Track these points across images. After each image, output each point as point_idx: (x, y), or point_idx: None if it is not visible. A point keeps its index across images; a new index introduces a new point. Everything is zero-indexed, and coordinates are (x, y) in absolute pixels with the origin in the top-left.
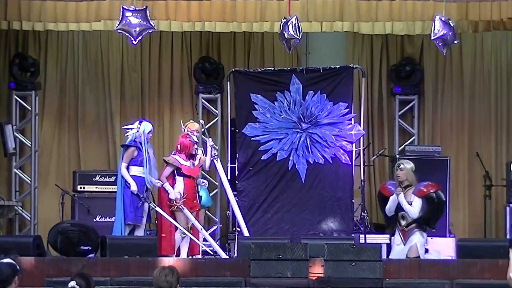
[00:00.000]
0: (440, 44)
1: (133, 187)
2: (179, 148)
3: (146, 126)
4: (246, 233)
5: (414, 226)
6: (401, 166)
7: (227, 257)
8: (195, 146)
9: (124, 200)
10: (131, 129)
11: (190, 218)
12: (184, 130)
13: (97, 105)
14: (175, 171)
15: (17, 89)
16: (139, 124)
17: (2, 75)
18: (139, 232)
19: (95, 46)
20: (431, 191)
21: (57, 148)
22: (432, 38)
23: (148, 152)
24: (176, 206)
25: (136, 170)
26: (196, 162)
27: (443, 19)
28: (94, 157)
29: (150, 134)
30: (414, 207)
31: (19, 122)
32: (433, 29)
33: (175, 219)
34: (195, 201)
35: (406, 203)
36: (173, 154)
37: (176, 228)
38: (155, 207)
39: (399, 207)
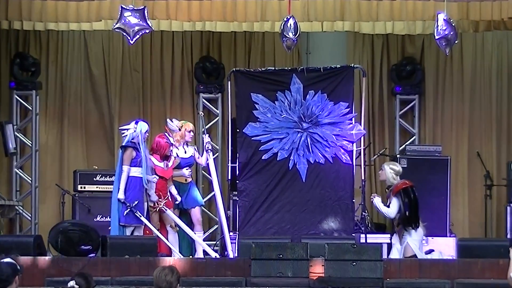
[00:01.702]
0: (443, 44)
1: (120, 195)
2: (154, 148)
3: (143, 126)
4: (226, 230)
5: (401, 226)
6: (382, 166)
7: (217, 255)
8: (171, 147)
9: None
10: (128, 129)
11: (173, 218)
12: (180, 129)
13: (98, 105)
14: None
15: (17, 89)
16: (135, 124)
17: (3, 75)
18: (139, 232)
19: (96, 46)
20: (402, 188)
21: (58, 148)
22: (437, 37)
23: (145, 153)
24: (158, 208)
25: (135, 171)
26: (170, 163)
27: (445, 18)
28: (95, 157)
29: (147, 134)
30: (391, 207)
31: (19, 122)
32: (437, 28)
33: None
34: (166, 201)
35: (381, 206)
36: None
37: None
38: (140, 216)
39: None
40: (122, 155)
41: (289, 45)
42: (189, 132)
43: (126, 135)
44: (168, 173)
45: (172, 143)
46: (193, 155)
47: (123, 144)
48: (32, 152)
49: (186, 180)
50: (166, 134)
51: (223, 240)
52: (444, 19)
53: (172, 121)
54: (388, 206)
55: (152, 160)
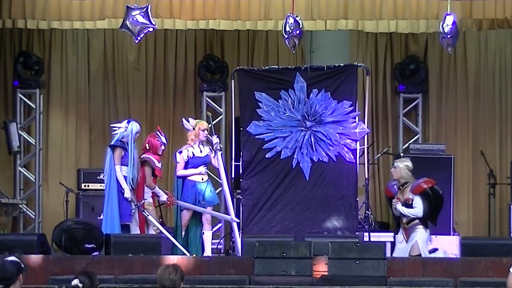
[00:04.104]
0: (448, 43)
1: (127, 194)
2: (147, 148)
3: (134, 126)
4: (235, 229)
5: (416, 223)
6: (395, 164)
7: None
8: (163, 147)
9: (120, 200)
10: (119, 127)
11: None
12: (194, 128)
13: (101, 103)
14: None
15: (21, 87)
16: (127, 123)
17: (6, 73)
18: (135, 229)
19: (100, 44)
20: (426, 187)
21: (62, 146)
22: (448, 36)
23: (133, 153)
24: (171, 204)
25: (122, 170)
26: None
27: (455, 19)
28: (99, 155)
29: (138, 134)
30: (417, 207)
31: (23, 120)
32: (446, 27)
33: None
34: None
35: (406, 210)
36: (143, 154)
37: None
38: (148, 215)
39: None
40: (112, 154)
41: (292, 44)
42: (203, 131)
43: (117, 134)
44: (161, 173)
45: (164, 142)
46: (208, 154)
47: (112, 143)
48: (36, 150)
49: (202, 179)
50: (158, 133)
51: (231, 238)
52: (453, 21)
53: (188, 121)
54: (412, 206)
55: (154, 160)
